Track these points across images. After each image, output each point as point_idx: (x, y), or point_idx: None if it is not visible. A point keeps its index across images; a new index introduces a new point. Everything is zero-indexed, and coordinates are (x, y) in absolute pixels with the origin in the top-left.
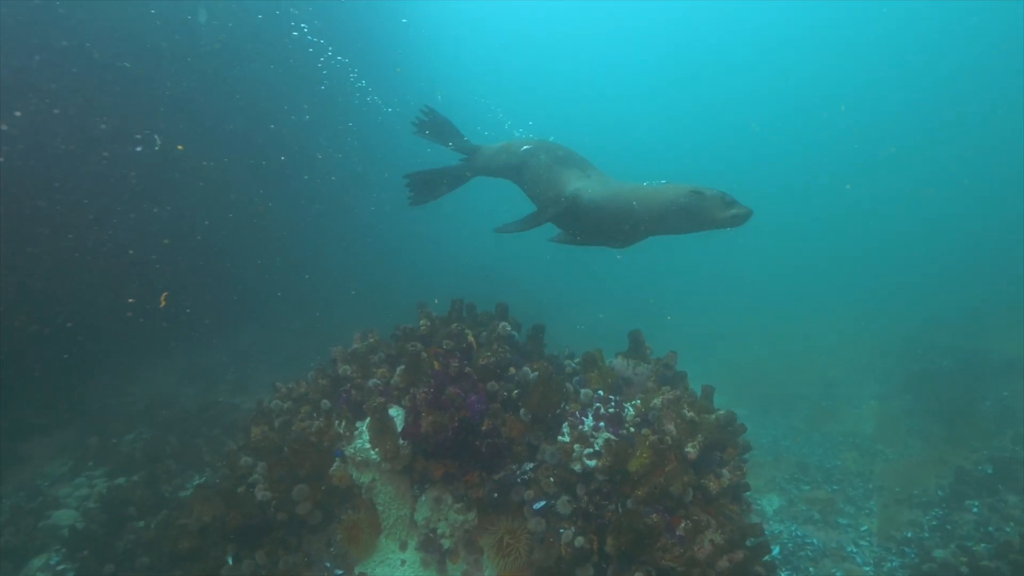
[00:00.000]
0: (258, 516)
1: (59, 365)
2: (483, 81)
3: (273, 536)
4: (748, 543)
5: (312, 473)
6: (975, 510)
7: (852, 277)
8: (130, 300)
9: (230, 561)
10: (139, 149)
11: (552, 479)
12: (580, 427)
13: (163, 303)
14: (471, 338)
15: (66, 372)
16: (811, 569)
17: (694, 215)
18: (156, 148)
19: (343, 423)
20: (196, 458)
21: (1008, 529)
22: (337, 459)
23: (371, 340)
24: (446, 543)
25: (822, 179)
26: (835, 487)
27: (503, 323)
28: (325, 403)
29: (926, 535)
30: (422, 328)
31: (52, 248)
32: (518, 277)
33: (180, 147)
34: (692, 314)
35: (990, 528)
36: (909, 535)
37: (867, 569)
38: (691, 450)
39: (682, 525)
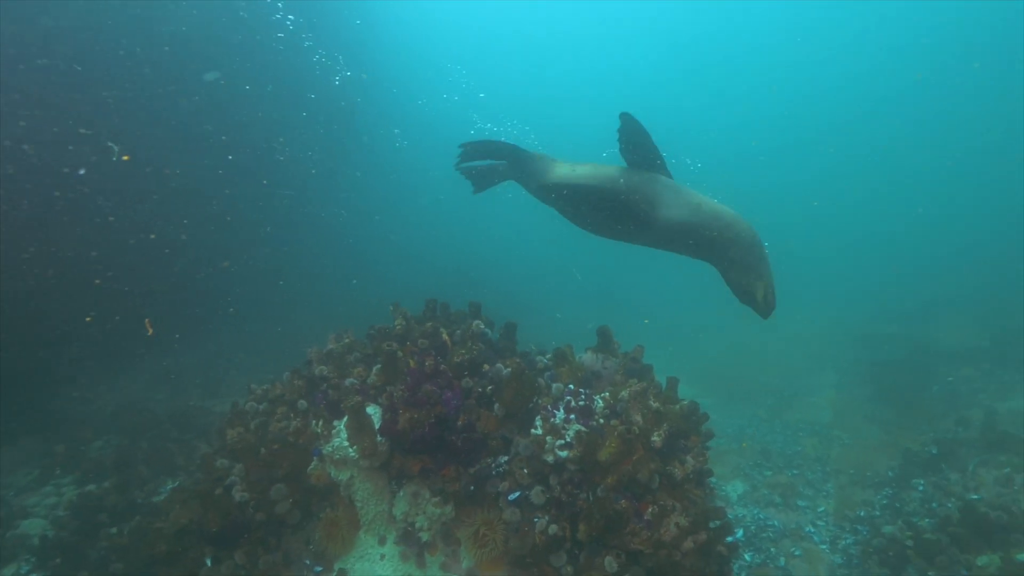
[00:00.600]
0: (236, 517)
1: (22, 373)
2: (479, 85)
3: (252, 536)
4: (711, 525)
5: (290, 473)
6: (921, 488)
7: (815, 274)
8: (87, 318)
9: (208, 563)
10: (81, 172)
11: (526, 470)
12: (552, 420)
13: (149, 331)
14: (446, 336)
15: (30, 380)
16: (772, 549)
17: (750, 264)
18: (113, 158)
19: (320, 422)
20: (168, 463)
21: (950, 504)
22: (315, 458)
23: (347, 341)
24: (424, 536)
25: (797, 179)
26: (795, 472)
27: (477, 321)
28: (302, 403)
29: (877, 513)
30: (397, 327)
31: (14, 256)
32: (489, 278)
33: (126, 157)
34: (663, 311)
35: (934, 504)
36: (862, 514)
37: (823, 547)
38: (657, 439)
39: (649, 510)
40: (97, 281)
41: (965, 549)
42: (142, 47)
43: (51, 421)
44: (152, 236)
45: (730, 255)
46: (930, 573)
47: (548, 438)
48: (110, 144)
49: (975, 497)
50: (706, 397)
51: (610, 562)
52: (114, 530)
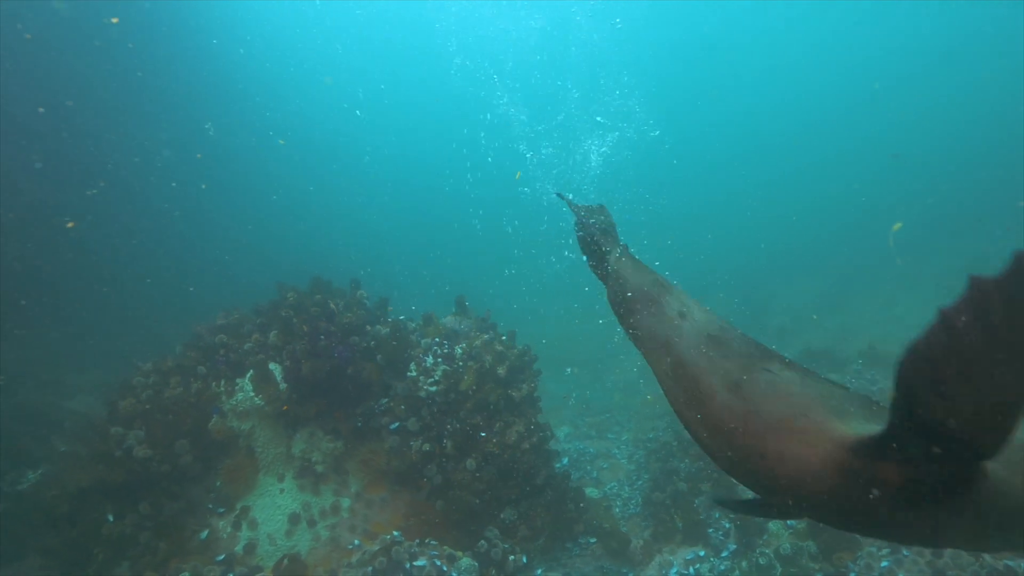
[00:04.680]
0: (140, 472)
1: None
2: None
3: (156, 489)
4: (540, 434)
5: (193, 429)
6: None
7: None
8: None
9: (111, 519)
10: None
11: (403, 406)
12: (423, 364)
13: None
14: (333, 305)
15: None
16: (588, 467)
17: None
18: None
19: (222, 383)
20: (26, 455)
21: None
22: (215, 415)
23: (236, 315)
24: (319, 468)
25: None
26: (607, 415)
27: (361, 291)
28: (201, 369)
29: (661, 433)
30: (290, 298)
31: None
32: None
33: None
34: (504, 304)
35: None
36: (651, 436)
37: (623, 460)
38: (502, 371)
39: (498, 425)
40: None
41: None
42: None
43: None
44: None
45: None
46: (686, 459)
47: (421, 378)
48: None
49: None
50: (544, 369)
51: (471, 463)
52: None
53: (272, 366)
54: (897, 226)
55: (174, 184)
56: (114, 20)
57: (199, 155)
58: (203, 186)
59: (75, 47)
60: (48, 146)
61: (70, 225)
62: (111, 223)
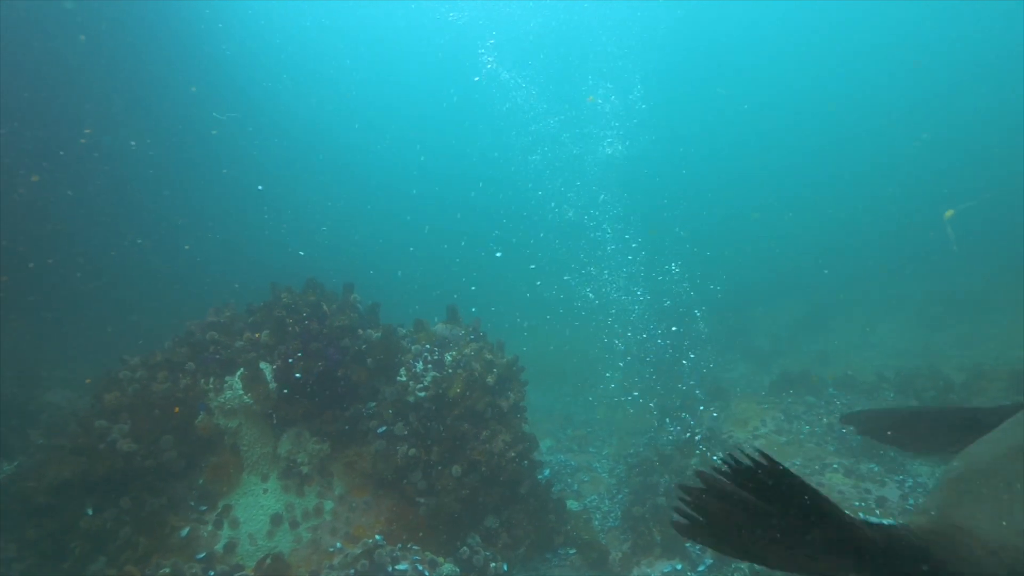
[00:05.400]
0: (123, 466)
1: None
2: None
3: (138, 483)
4: (526, 444)
5: (179, 425)
6: (671, 429)
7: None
8: None
9: (90, 512)
10: None
11: (391, 411)
12: (413, 370)
13: None
14: (325, 307)
15: None
16: (569, 479)
17: None
18: None
19: (211, 380)
20: (3, 447)
21: (687, 435)
22: (202, 412)
23: (228, 313)
24: (304, 469)
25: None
26: (589, 429)
27: (354, 295)
28: (190, 365)
29: (642, 449)
30: (284, 299)
31: None
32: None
33: None
34: (494, 316)
35: (671, 436)
36: (632, 451)
37: (604, 474)
38: (490, 380)
39: (485, 433)
40: None
41: (685, 456)
42: None
43: None
44: None
45: None
46: (666, 475)
47: (410, 383)
48: None
49: (697, 436)
50: (530, 382)
51: (456, 469)
52: None
53: (263, 365)
54: (949, 213)
55: (148, 164)
56: None
57: (196, 150)
58: (206, 135)
59: (64, 30)
60: (24, 123)
61: (35, 179)
62: (92, 206)
